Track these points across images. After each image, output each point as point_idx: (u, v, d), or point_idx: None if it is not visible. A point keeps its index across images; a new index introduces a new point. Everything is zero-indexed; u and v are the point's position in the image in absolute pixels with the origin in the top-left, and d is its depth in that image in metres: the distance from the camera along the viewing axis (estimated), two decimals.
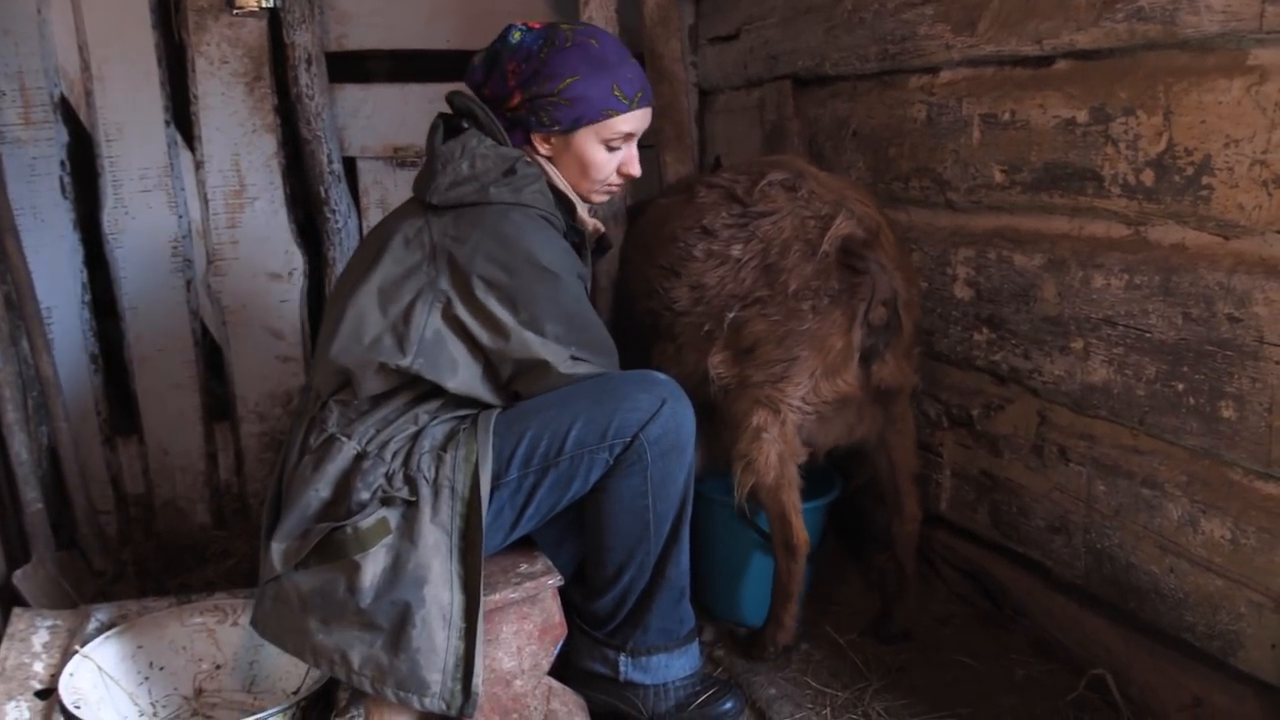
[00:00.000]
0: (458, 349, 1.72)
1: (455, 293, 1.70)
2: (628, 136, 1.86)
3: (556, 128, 1.81)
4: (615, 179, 1.90)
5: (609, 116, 1.81)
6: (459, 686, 1.61)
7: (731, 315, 1.95)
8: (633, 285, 2.27)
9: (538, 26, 1.86)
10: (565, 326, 1.74)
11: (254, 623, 1.76)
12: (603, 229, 2.00)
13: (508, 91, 1.81)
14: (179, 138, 2.80)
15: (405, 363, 1.70)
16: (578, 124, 1.80)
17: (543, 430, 1.73)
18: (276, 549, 1.69)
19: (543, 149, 1.85)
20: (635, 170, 1.91)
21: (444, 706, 1.61)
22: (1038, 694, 1.95)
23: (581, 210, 1.91)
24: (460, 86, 3.03)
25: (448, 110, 1.89)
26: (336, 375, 1.76)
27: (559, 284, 1.73)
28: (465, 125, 1.82)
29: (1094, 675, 1.92)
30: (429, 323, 1.70)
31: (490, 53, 1.86)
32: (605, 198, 1.95)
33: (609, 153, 1.85)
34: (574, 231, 1.88)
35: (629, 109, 1.82)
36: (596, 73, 1.79)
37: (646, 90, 1.87)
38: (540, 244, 1.73)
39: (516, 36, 1.83)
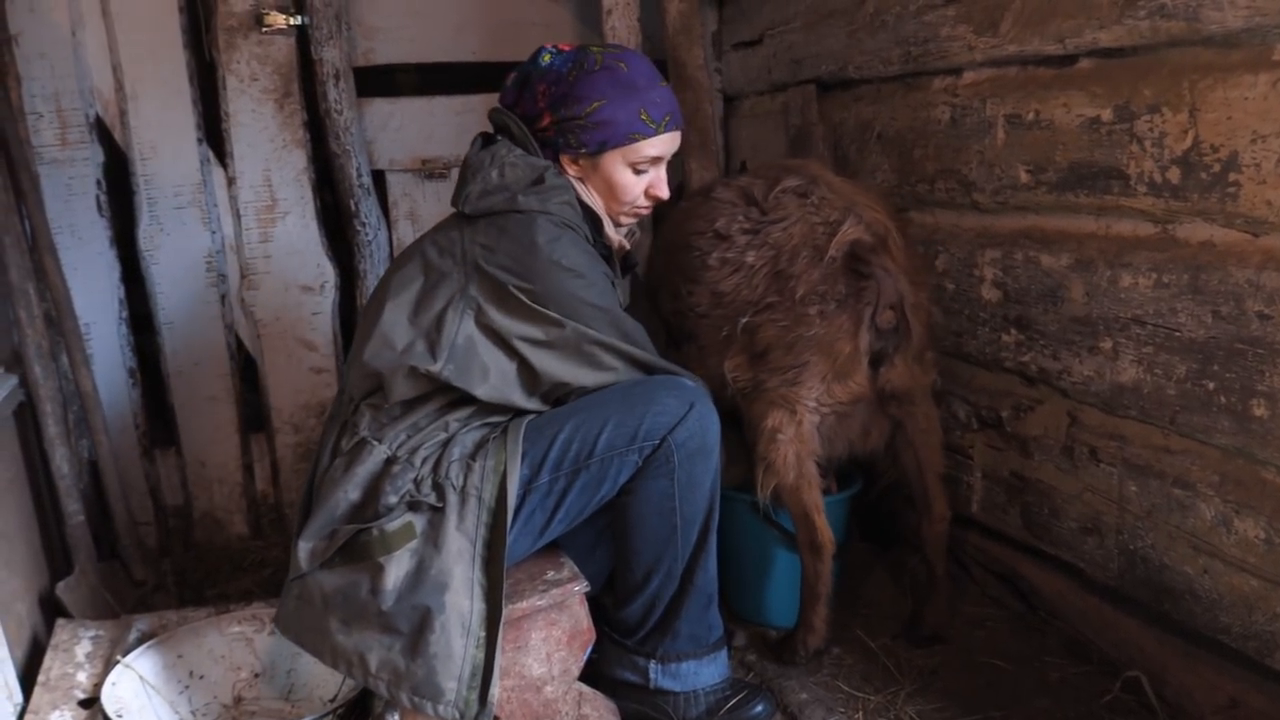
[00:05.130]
0: (490, 355, 1.75)
1: (486, 299, 1.73)
2: (655, 160, 1.88)
3: (584, 150, 1.84)
4: (643, 202, 1.92)
5: (635, 140, 1.84)
6: (474, 695, 1.61)
7: (744, 321, 1.98)
8: (658, 287, 2.30)
9: (568, 49, 1.89)
10: (597, 321, 1.76)
11: (276, 620, 1.79)
12: (628, 247, 2.02)
13: (538, 112, 1.85)
14: (211, 155, 2.85)
15: (435, 368, 1.72)
16: (604, 147, 1.83)
17: (574, 434, 1.74)
18: (303, 548, 1.72)
19: (572, 170, 1.88)
20: (664, 193, 1.92)
21: (457, 715, 1.61)
22: (1072, 697, 1.94)
23: (608, 227, 1.93)
24: (488, 98, 3.09)
25: (484, 126, 1.93)
26: (369, 379, 1.79)
27: (585, 282, 1.76)
28: (499, 139, 1.86)
29: (1129, 677, 1.91)
30: (461, 329, 1.73)
31: (522, 74, 1.89)
32: (633, 220, 1.97)
33: (636, 175, 1.88)
34: (600, 245, 1.91)
35: (655, 133, 1.84)
36: (623, 97, 1.81)
37: (675, 114, 1.89)
38: (566, 249, 1.76)
39: (546, 59, 1.87)
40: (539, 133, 1.86)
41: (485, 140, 1.89)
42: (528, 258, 1.73)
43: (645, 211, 1.96)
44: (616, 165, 1.86)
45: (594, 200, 1.90)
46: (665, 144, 1.88)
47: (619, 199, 1.89)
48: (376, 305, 1.82)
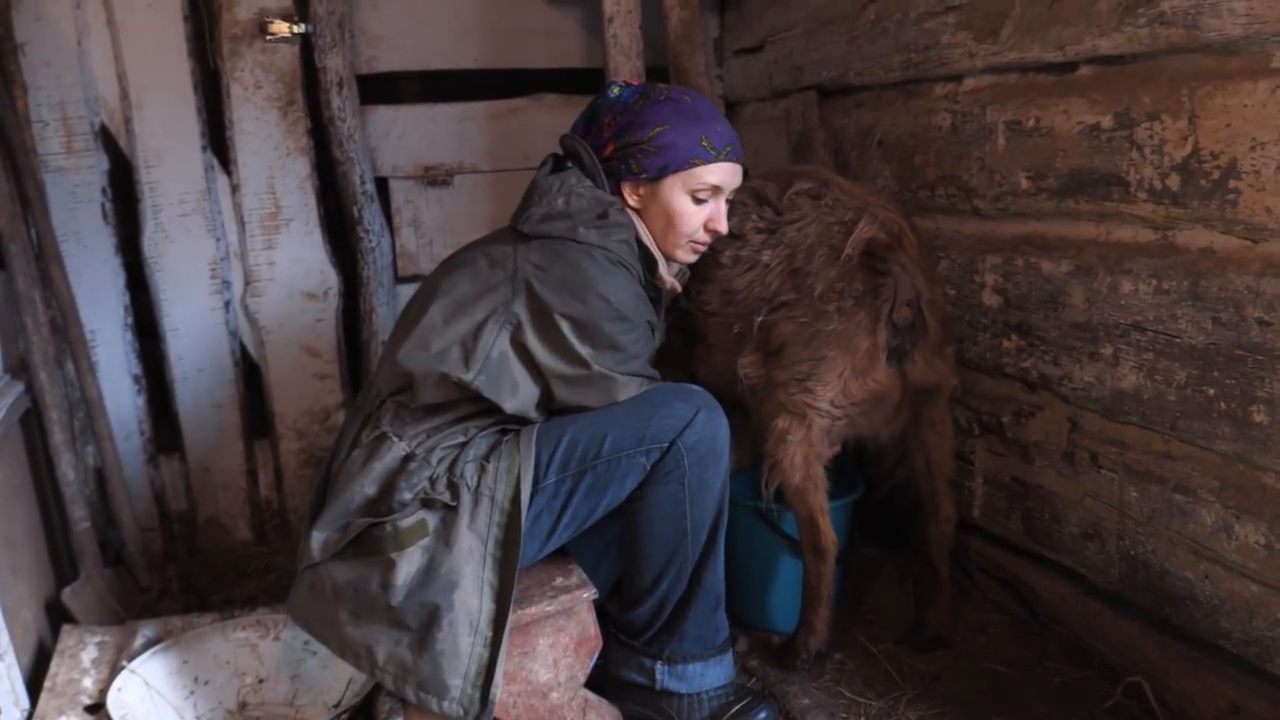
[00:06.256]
0: (520, 373, 1.77)
1: (527, 319, 1.75)
2: (715, 190, 1.89)
3: (644, 175, 1.86)
4: (702, 235, 1.93)
5: (695, 166, 1.85)
6: (478, 694, 1.64)
7: (760, 319, 1.99)
8: None
9: (636, 84, 1.94)
10: (624, 365, 1.78)
11: (288, 607, 1.81)
12: (679, 289, 2.04)
13: (603, 142, 1.89)
14: (215, 162, 2.86)
15: (468, 377, 1.74)
16: (664, 172, 1.85)
17: (580, 434, 1.76)
18: (317, 537, 1.74)
19: (632, 200, 1.90)
20: (723, 227, 1.94)
21: (461, 712, 1.64)
22: (1074, 702, 1.95)
23: (663, 268, 1.95)
24: (490, 105, 3.11)
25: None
26: (399, 377, 1.81)
27: (627, 326, 1.78)
28: (569, 165, 1.89)
29: (1130, 682, 1.92)
30: (497, 343, 1.75)
31: (591, 108, 1.94)
32: (693, 257, 1.98)
33: (695, 205, 1.89)
34: (651, 286, 1.92)
35: (716, 160, 1.86)
36: (686, 123, 1.85)
37: (736, 147, 1.90)
38: (616, 286, 1.77)
39: (615, 91, 1.91)
40: (604, 162, 1.88)
41: (555, 164, 1.91)
42: (579, 287, 1.74)
43: (703, 247, 1.97)
44: (675, 191, 1.87)
45: (651, 237, 1.91)
46: (725, 173, 1.89)
47: (677, 229, 1.90)
48: (419, 307, 1.84)
